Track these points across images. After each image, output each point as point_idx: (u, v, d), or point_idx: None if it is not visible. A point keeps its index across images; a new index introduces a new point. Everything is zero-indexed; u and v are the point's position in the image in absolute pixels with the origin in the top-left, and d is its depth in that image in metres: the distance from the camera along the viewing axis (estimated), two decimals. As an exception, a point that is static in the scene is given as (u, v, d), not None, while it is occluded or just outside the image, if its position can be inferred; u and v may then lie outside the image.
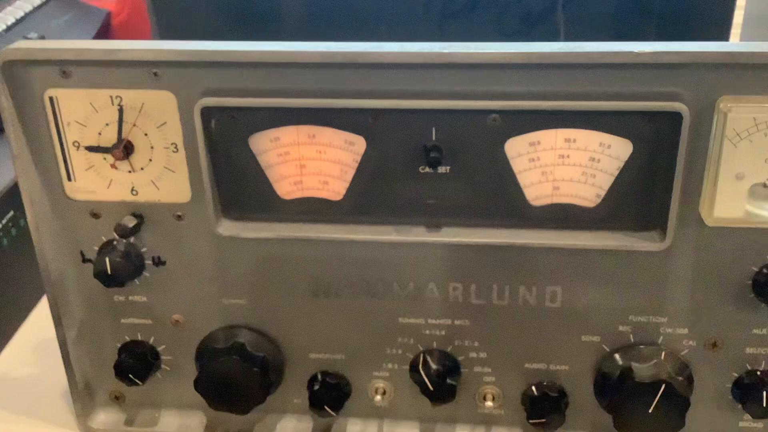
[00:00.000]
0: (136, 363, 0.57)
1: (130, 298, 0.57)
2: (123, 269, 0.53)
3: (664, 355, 0.53)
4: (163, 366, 0.59)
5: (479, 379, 0.57)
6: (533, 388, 0.56)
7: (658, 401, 0.51)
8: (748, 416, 0.55)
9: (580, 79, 0.47)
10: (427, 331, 0.56)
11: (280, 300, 0.56)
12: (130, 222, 0.53)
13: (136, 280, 0.55)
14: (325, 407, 0.56)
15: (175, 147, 0.51)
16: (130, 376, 0.57)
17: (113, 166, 0.52)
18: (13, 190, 0.71)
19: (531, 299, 0.54)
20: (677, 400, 0.51)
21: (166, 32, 0.81)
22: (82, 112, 0.51)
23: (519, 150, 0.50)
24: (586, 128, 0.49)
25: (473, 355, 0.56)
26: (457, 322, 0.55)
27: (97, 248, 0.54)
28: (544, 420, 0.55)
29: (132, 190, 0.53)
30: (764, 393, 0.53)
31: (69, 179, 0.53)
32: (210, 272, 0.55)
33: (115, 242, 0.54)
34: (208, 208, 0.52)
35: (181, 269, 0.55)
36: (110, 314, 0.57)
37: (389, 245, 0.53)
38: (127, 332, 0.58)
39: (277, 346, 0.57)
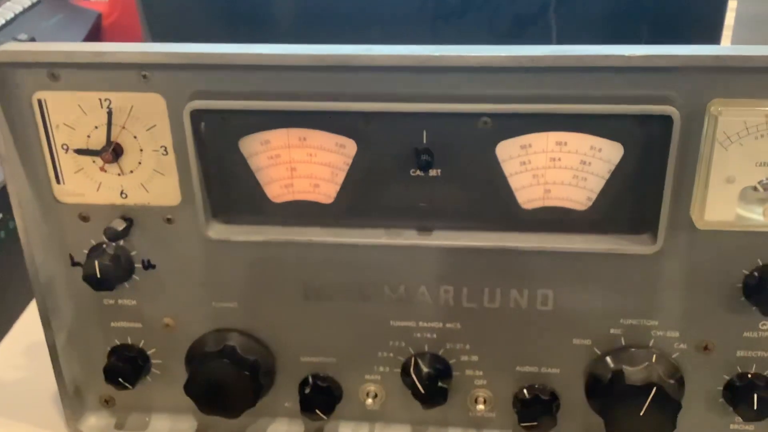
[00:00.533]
0: (126, 367, 0.57)
1: (120, 301, 0.56)
2: (112, 273, 0.53)
3: (656, 358, 0.53)
4: (153, 370, 0.59)
5: (471, 382, 0.57)
6: (525, 391, 0.56)
7: (649, 404, 0.51)
8: (739, 419, 0.55)
9: (571, 82, 0.47)
10: (419, 335, 0.56)
11: (270, 303, 0.55)
12: (120, 225, 0.53)
13: (125, 283, 0.55)
14: (316, 411, 0.56)
15: (165, 150, 0.51)
16: (120, 380, 0.56)
17: (102, 169, 0.52)
18: (2, 193, 0.70)
19: (522, 302, 0.54)
20: (668, 403, 0.51)
21: (156, 34, 0.80)
22: (70, 115, 0.51)
23: (510, 153, 0.50)
24: (577, 131, 0.49)
25: (465, 358, 0.56)
26: (448, 325, 0.55)
27: (86, 251, 0.54)
28: (535, 423, 0.55)
29: (121, 193, 0.53)
30: (755, 396, 0.53)
31: (58, 182, 0.53)
32: (200, 275, 0.55)
33: (104, 245, 0.54)
34: (198, 211, 0.52)
35: (171, 272, 0.55)
36: (100, 318, 0.57)
37: (380, 248, 0.53)
38: (117, 336, 0.58)
39: (267, 349, 0.57)
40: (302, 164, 0.51)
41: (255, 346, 0.56)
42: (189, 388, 0.55)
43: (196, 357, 0.56)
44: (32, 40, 0.80)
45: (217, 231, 0.53)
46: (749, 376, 0.54)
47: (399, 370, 0.56)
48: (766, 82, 0.46)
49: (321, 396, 0.57)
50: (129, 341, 0.58)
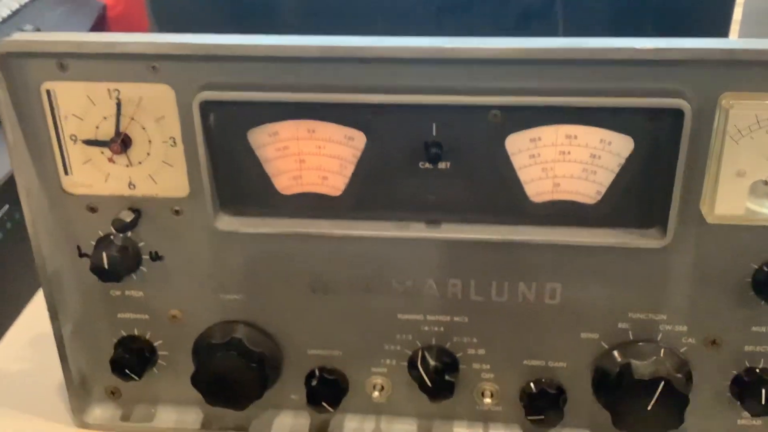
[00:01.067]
0: (133, 358, 0.57)
1: (127, 293, 0.56)
2: (120, 264, 0.53)
3: (663, 352, 0.53)
4: (159, 361, 0.58)
5: (477, 376, 0.57)
6: (531, 384, 0.56)
7: (657, 398, 0.51)
8: (746, 414, 0.55)
9: (581, 75, 0.47)
10: (426, 328, 0.56)
11: (278, 296, 0.55)
12: (128, 216, 0.52)
13: (133, 275, 0.55)
14: (323, 403, 0.56)
15: (173, 141, 0.51)
16: (127, 371, 0.56)
17: (111, 160, 0.52)
18: (9, 184, 0.70)
19: (530, 296, 0.54)
20: (676, 398, 0.51)
21: (163, 25, 0.80)
22: (79, 106, 0.50)
23: (519, 146, 0.50)
24: (587, 124, 0.48)
25: (472, 351, 0.56)
26: (455, 319, 0.55)
27: (93, 243, 0.54)
28: (542, 417, 0.55)
29: (129, 184, 0.52)
30: (763, 390, 0.53)
31: (66, 173, 0.53)
32: (208, 267, 0.55)
33: (112, 237, 0.54)
34: (206, 202, 0.52)
35: (179, 264, 0.55)
36: (107, 309, 0.57)
37: (388, 241, 0.53)
38: (123, 327, 0.58)
39: (274, 341, 0.57)
40: (311, 156, 0.51)
41: (262, 338, 0.56)
42: (196, 380, 0.55)
43: (203, 349, 0.56)
44: (38, 30, 0.80)
45: (225, 223, 0.53)
46: (757, 371, 0.54)
47: (406, 364, 0.56)
48: (778, 76, 0.46)
49: (328, 389, 0.57)
50: (136, 333, 0.58)
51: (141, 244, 0.54)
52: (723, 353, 0.54)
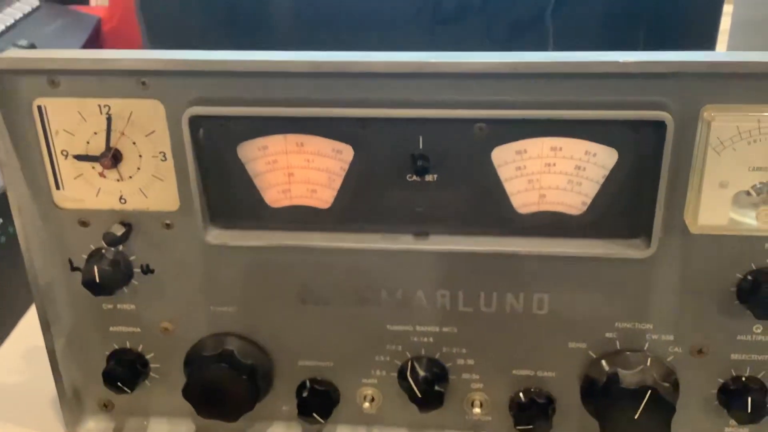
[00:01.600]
0: (125, 371, 0.57)
1: (119, 306, 0.57)
2: (111, 278, 0.53)
3: (650, 361, 0.54)
4: (151, 374, 0.59)
5: (467, 386, 0.57)
6: (521, 394, 0.56)
7: (644, 407, 0.51)
8: (733, 422, 0.55)
9: (566, 89, 0.47)
10: (415, 338, 0.56)
11: (268, 308, 0.56)
12: (119, 230, 0.53)
13: (124, 288, 0.56)
14: (314, 414, 0.57)
15: (164, 155, 0.51)
16: (119, 384, 0.57)
17: (102, 174, 0.52)
18: (2, 199, 0.71)
19: (518, 306, 0.54)
20: (663, 406, 0.52)
21: (155, 39, 0.81)
22: (70, 121, 0.51)
23: (506, 158, 0.50)
24: (572, 137, 0.49)
25: (461, 361, 0.56)
26: (445, 329, 0.55)
27: (85, 257, 0.55)
28: (531, 426, 0.55)
29: (120, 198, 0.53)
30: (749, 399, 0.53)
31: (57, 188, 0.53)
32: (199, 280, 0.55)
33: (103, 251, 0.54)
34: (196, 216, 0.52)
35: (170, 277, 0.55)
36: (99, 322, 0.57)
37: (377, 253, 0.53)
38: (115, 340, 0.58)
39: (265, 353, 0.57)
40: (300, 170, 0.52)
41: (253, 350, 0.57)
42: (187, 392, 0.55)
43: (194, 361, 0.57)
44: (32, 45, 0.81)
45: (216, 236, 0.54)
46: (743, 379, 0.54)
47: (396, 374, 0.57)
48: (759, 88, 0.46)
49: (318, 400, 0.57)
50: (128, 345, 0.58)
51: (132, 258, 0.55)
52: (709, 362, 0.54)
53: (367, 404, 0.58)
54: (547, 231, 0.52)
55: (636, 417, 0.52)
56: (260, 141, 0.51)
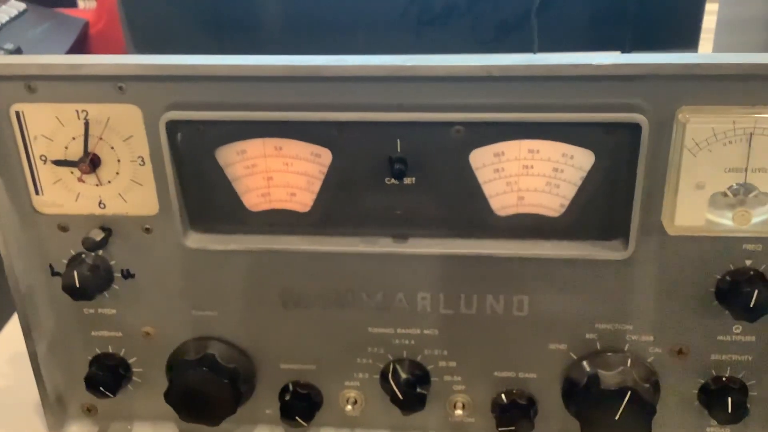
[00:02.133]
0: (107, 375, 0.57)
1: (100, 310, 0.57)
2: (91, 282, 0.53)
3: (631, 362, 0.54)
4: (134, 378, 0.59)
5: (449, 388, 0.57)
6: (502, 395, 0.56)
7: (624, 408, 0.51)
8: (714, 422, 0.55)
9: (542, 91, 0.47)
10: (397, 341, 0.56)
11: (250, 311, 0.56)
12: (98, 235, 0.53)
13: (105, 293, 0.56)
14: (297, 418, 0.57)
15: (142, 160, 0.51)
16: (101, 388, 0.57)
17: (80, 179, 0.52)
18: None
19: (498, 308, 0.54)
20: (643, 407, 0.52)
21: (139, 43, 0.81)
22: (48, 127, 0.51)
23: (483, 161, 0.50)
24: (549, 139, 0.49)
25: (443, 363, 0.56)
26: (426, 332, 0.56)
27: (65, 261, 0.55)
28: (513, 428, 0.55)
29: (99, 203, 0.53)
30: (729, 399, 0.53)
31: (36, 193, 0.53)
32: (179, 284, 0.55)
33: (83, 255, 0.54)
34: (175, 220, 0.52)
35: (151, 282, 0.55)
36: (80, 327, 0.57)
37: (357, 256, 0.53)
38: (97, 345, 0.58)
39: (247, 357, 0.57)
40: (278, 173, 0.52)
41: (235, 353, 0.57)
42: (169, 396, 0.55)
43: (176, 365, 0.57)
44: (19, 49, 0.81)
45: (195, 240, 0.54)
46: (723, 379, 0.54)
47: (378, 377, 0.57)
48: (734, 89, 0.46)
49: (301, 403, 0.57)
50: (110, 350, 0.58)
51: (112, 263, 0.55)
52: (689, 362, 0.54)
53: (349, 407, 0.58)
54: (526, 233, 0.52)
55: (617, 418, 0.52)
56: (238, 145, 0.51)
